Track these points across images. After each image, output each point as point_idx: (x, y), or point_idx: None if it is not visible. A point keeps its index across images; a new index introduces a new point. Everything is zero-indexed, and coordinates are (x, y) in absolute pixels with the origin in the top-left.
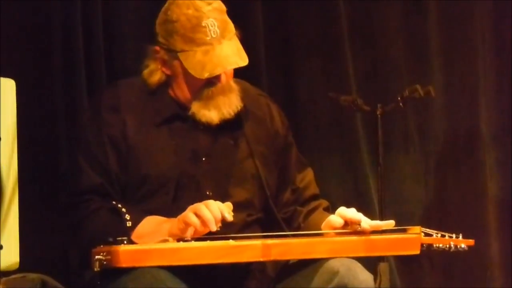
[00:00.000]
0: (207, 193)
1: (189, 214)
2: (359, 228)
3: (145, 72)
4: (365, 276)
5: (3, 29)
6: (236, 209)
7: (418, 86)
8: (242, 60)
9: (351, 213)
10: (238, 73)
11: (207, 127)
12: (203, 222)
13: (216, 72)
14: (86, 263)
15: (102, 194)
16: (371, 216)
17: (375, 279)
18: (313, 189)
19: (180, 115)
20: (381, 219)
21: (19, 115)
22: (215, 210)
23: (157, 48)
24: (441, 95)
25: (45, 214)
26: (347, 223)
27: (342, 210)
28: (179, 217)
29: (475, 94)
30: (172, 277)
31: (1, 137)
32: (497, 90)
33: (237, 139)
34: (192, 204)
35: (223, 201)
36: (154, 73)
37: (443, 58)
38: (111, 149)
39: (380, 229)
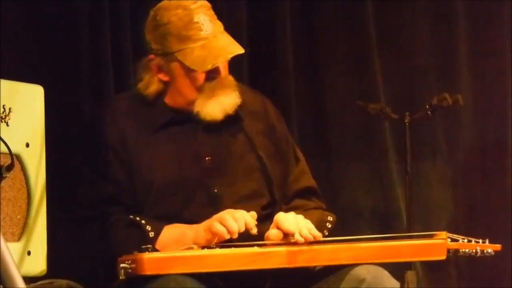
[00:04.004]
0: (215, 190)
1: (214, 223)
2: (293, 240)
3: (140, 85)
4: (392, 283)
5: (31, 36)
6: (247, 201)
7: (446, 95)
8: (239, 49)
9: (287, 224)
10: (269, 81)
11: (205, 127)
12: (228, 231)
13: (219, 62)
14: (111, 275)
15: (118, 203)
16: (399, 224)
17: (402, 287)
18: (304, 182)
19: (176, 120)
20: (409, 227)
21: (47, 121)
22: (241, 224)
23: (151, 56)
24: (469, 104)
25: (73, 220)
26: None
27: (280, 219)
28: (203, 226)
29: (503, 103)
30: (197, 284)
31: (29, 143)
32: None
33: (237, 135)
34: (202, 203)
35: (231, 196)
36: (150, 83)
37: (471, 66)
38: (116, 161)
39: (317, 239)
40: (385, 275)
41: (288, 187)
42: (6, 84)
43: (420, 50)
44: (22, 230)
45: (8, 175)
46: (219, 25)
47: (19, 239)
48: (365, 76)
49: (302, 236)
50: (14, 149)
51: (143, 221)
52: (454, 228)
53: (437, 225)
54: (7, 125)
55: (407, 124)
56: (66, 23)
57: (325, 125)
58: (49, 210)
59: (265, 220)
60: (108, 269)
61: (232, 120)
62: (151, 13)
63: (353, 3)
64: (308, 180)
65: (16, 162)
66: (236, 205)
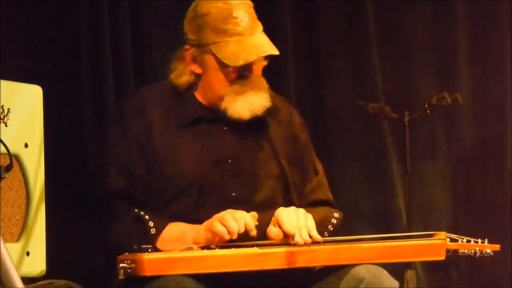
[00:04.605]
0: (232, 194)
1: (215, 223)
2: (292, 242)
3: (173, 75)
4: (391, 283)
5: (30, 35)
6: (261, 208)
7: (446, 94)
8: (274, 50)
9: (287, 223)
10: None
11: (232, 129)
12: (228, 231)
13: (251, 58)
14: (111, 269)
15: (126, 198)
16: (398, 224)
17: (402, 287)
18: (320, 195)
19: (206, 117)
20: (408, 226)
21: (46, 121)
22: (241, 225)
23: (187, 46)
24: (468, 103)
25: (72, 220)
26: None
27: (280, 217)
28: (204, 226)
29: (502, 102)
30: (196, 284)
31: (28, 144)
32: None
33: (261, 141)
34: (218, 206)
35: (248, 201)
36: (182, 74)
37: (471, 65)
38: (137, 152)
39: (316, 241)
40: (384, 274)
41: (304, 198)
42: (5, 84)
43: (419, 49)
44: (21, 231)
45: (7, 176)
46: (258, 25)
47: (18, 240)
48: (365, 76)
49: (301, 238)
50: (12, 150)
51: (146, 217)
52: (454, 227)
53: (436, 224)
54: (6, 125)
55: (406, 123)
56: (65, 23)
57: (325, 125)
58: (49, 209)
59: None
60: (109, 260)
61: (258, 125)
62: (193, 3)
63: (353, 3)
64: (324, 193)
65: (15, 163)
66: (250, 211)
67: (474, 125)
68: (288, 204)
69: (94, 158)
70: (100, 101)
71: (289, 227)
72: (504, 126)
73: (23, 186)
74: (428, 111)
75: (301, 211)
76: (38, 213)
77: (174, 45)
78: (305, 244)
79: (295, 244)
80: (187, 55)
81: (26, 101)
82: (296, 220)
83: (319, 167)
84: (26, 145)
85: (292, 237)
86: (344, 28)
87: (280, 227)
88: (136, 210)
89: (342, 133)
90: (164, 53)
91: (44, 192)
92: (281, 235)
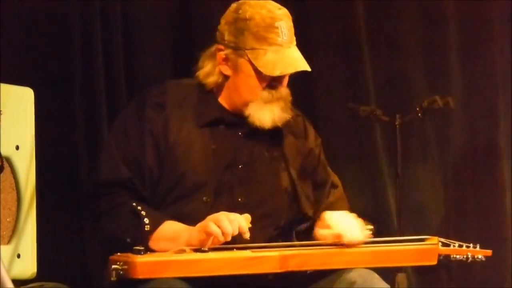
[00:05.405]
0: (239, 200)
1: (210, 224)
2: (345, 241)
3: (201, 72)
4: (382, 286)
5: (22, 38)
6: (263, 219)
7: (437, 97)
8: (307, 66)
9: (337, 228)
10: None
11: (248, 135)
12: (223, 233)
13: (288, 71)
14: (107, 254)
15: (128, 189)
16: (389, 227)
17: None
18: (341, 208)
19: (224, 120)
20: (399, 229)
21: (37, 123)
22: (235, 227)
23: (221, 46)
24: (459, 106)
25: (63, 223)
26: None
27: (329, 220)
28: (198, 227)
29: (493, 105)
30: (187, 286)
31: (19, 146)
32: None
33: (274, 151)
34: (223, 209)
35: (253, 209)
36: (211, 73)
37: (462, 68)
38: (151, 145)
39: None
40: (376, 278)
41: (323, 211)
42: None
43: (410, 52)
44: (11, 233)
45: None
46: (294, 39)
47: (9, 242)
48: (356, 79)
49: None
50: (3, 152)
51: (143, 212)
52: (445, 230)
53: (427, 227)
54: None
55: (397, 126)
56: (57, 25)
57: (316, 127)
58: (40, 211)
59: (270, 241)
60: (104, 246)
61: (274, 136)
62: (234, 5)
63: (344, 5)
64: (346, 206)
65: (6, 165)
66: (254, 218)
67: (465, 128)
68: (296, 215)
69: (88, 161)
70: (91, 104)
71: (339, 231)
72: (495, 128)
73: (14, 188)
74: (419, 114)
75: (348, 214)
76: (29, 215)
77: (165, 47)
78: (358, 243)
79: (343, 245)
80: (219, 55)
81: (17, 103)
82: (346, 221)
83: (336, 180)
84: (17, 147)
85: (344, 237)
86: (335, 30)
87: (330, 228)
88: (134, 203)
89: (333, 136)
90: (155, 58)
91: (35, 194)
92: (330, 236)
